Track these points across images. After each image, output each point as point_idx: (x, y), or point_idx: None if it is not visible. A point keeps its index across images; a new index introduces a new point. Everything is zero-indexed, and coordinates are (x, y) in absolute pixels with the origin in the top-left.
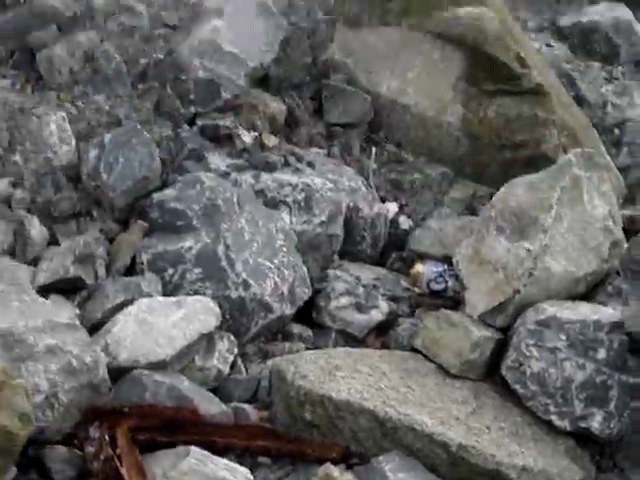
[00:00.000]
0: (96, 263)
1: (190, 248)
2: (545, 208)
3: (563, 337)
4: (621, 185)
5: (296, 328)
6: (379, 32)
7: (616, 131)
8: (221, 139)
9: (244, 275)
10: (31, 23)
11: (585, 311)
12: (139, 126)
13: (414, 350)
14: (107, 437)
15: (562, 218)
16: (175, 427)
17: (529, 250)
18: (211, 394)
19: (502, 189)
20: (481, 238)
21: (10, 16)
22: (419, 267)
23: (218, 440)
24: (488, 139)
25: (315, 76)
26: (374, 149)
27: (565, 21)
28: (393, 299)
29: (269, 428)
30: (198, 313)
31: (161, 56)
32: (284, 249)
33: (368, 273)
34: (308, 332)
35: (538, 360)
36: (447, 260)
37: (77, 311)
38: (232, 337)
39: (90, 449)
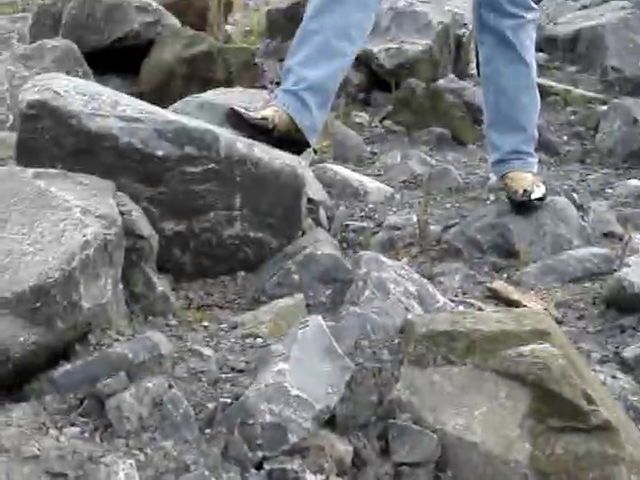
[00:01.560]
0: None
1: None
2: None
3: None
4: None
5: None
6: (444, 371)
7: None
8: None
9: None
10: (100, 371)
11: None
12: (207, 472)
13: None
14: None
15: None
16: None
17: None
18: None
19: None
20: None
21: (79, 364)
22: None
23: None
24: (557, 476)
25: (381, 415)
26: None
27: (629, 352)
28: None
29: None
30: None
31: (228, 400)
32: None
33: None
34: None
35: None
36: None
37: None
38: None
39: None
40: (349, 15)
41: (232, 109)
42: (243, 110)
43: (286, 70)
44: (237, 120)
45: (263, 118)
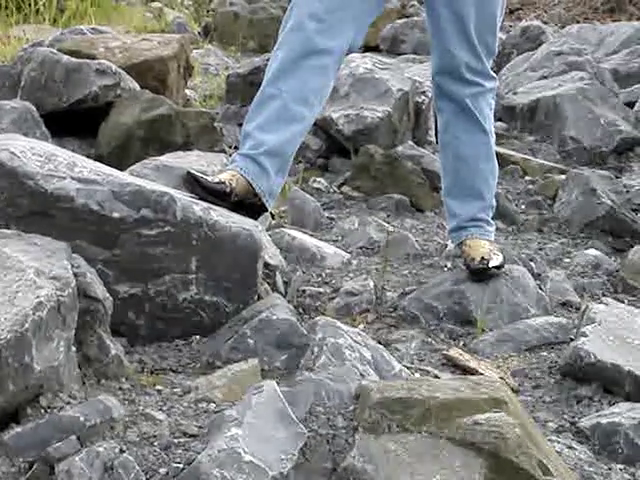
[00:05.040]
0: None
1: None
2: None
3: None
4: None
5: None
6: (399, 438)
7: None
8: None
9: None
10: (51, 434)
11: None
12: None
13: None
14: None
15: None
16: None
17: None
18: None
19: None
20: None
21: (30, 427)
22: None
23: None
24: None
25: None
26: None
27: (585, 422)
28: None
29: None
30: None
31: (180, 465)
32: None
33: None
34: None
35: None
36: None
37: None
38: None
39: None
40: (307, 80)
41: (189, 173)
42: (200, 174)
43: (244, 134)
44: (194, 184)
45: (220, 182)
